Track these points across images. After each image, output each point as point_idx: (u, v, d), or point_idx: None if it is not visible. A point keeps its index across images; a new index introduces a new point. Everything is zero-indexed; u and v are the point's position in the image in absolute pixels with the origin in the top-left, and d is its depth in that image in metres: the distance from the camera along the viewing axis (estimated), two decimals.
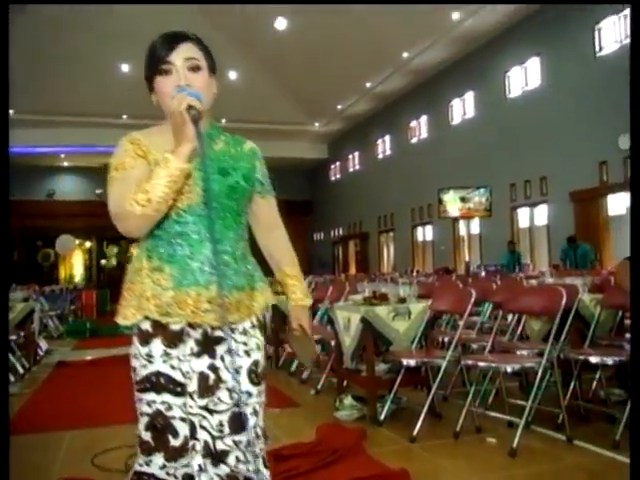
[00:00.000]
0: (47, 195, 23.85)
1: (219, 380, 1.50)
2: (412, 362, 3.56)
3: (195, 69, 1.51)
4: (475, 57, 14.36)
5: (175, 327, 1.49)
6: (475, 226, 14.64)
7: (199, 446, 1.48)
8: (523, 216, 13.19)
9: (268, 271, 1.76)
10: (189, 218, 1.49)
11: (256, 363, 1.56)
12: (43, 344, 7.45)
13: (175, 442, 1.50)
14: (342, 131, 22.22)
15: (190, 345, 1.50)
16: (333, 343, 4.31)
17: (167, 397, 1.49)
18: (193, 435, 1.49)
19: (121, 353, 7.04)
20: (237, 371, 1.51)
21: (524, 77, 12.88)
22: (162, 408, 1.50)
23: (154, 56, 1.51)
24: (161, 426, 1.49)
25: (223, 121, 13.84)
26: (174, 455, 1.50)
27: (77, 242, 22.42)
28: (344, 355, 4.04)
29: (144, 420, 1.52)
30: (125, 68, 17.18)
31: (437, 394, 3.72)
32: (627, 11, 10.04)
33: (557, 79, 11.78)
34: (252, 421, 1.52)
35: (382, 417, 3.69)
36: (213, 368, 1.50)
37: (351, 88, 17.64)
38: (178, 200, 1.45)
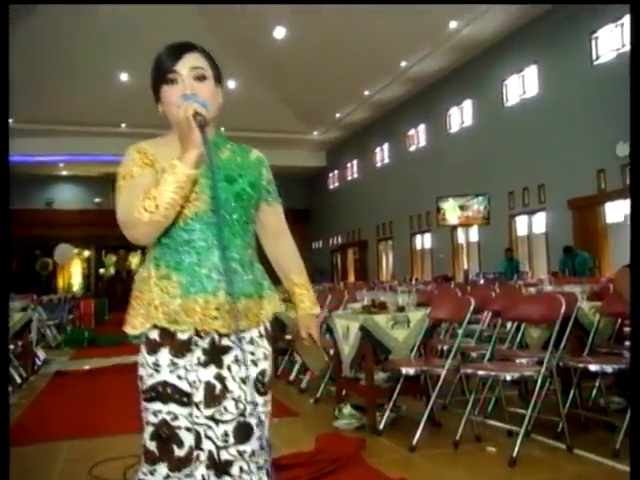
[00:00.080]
0: (46, 204, 23.86)
1: (225, 390, 1.49)
2: (411, 371, 3.55)
3: (201, 78, 1.52)
4: (473, 65, 14.42)
5: (183, 336, 1.49)
6: (474, 234, 14.65)
7: (203, 456, 1.47)
8: (521, 224, 13.20)
9: (275, 280, 1.76)
10: (196, 226, 1.50)
11: (263, 373, 1.56)
12: (41, 354, 7.41)
13: (180, 452, 1.50)
14: (341, 139, 22.28)
15: (197, 355, 1.50)
16: (332, 352, 4.30)
17: (173, 407, 1.49)
18: (198, 445, 1.48)
19: (119, 362, 7.04)
20: (244, 381, 1.51)
21: (522, 85, 12.93)
22: (168, 418, 1.49)
23: (160, 66, 1.52)
24: (166, 436, 1.49)
25: (222, 130, 13.78)
26: (178, 465, 1.50)
27: (75, 251, 22.40)
28: (343, 364, 4.03)
29: (149, 429, 1.52)
30: (124, 77, 17.24)
31: (436, 403, 3.71)
32: (624, 19, 10.11)
33: (554, 87, 11.83)
34: (257, 431, 1.51)
35: (381, 426, 3.67)
36: (220, 378, 1.50)
37: (349, 96, 17.69)
38: (185, 208, 1.46)
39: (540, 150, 11.95)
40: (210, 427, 1.48)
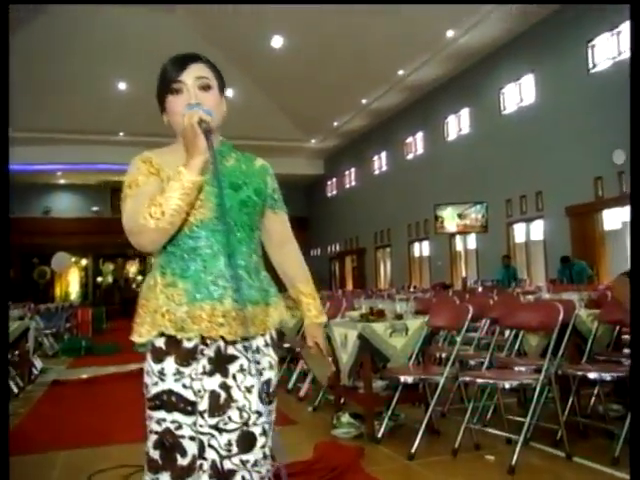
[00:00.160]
0: (43, 212, 23.85)
1: (230, 399, 1.49)
2: (410, 379, 3.54)
3: (206, 88, 1.53)
4: (470, 74, 14.48)
5: (189, 345, 1.49)
6: (472, 241, 14.67)
7: (206, 465, 1.48)
8: (519, 231, 13.22)
9: (281, 288, 1.75)
10: (202, 233, 1.50)
11: (268, 382, 1.56)
12: (38, 363, 7.39)
13: (183, 461, 1.49)
14: (338, 147, 22.33)
15: (203, 363, 1.50)
16: (330, 360, 4.29)
17: (177, 416, 1.49)
18: (201, 454, 1.48)
19: (117, 371, 7.03)
20: (249, 390, 1.51)
21: (519, 93, 12.99)
22: (172, 427, 1.49)
23: (165, 76, 1.53)
24: (170, 445, 1.48)
25: (220, 138, 13.75)
26: (181, 474, 1.49)
27: (73, 259, 22.38)
28: (341, 372, 4.02)
29: (153, 438, 1.51)
30: (122, 86, 17.29)
31: (435, 411, 3.70)
32: (620, 27, 10.17)
33: (551, 95, 11.88)
34: (261, 441, 1.51)
35: (380, 434, 3.66)
36: (225, 387, 1.50)
37: (347, 105, 17.75)
38: (191, 215, 1.46)
39: (537, 158, 11.99)
40: (214, 436, 1.48)
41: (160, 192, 1.41)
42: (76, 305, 15.35)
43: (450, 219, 13.30)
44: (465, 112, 15.02)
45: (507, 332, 4.40)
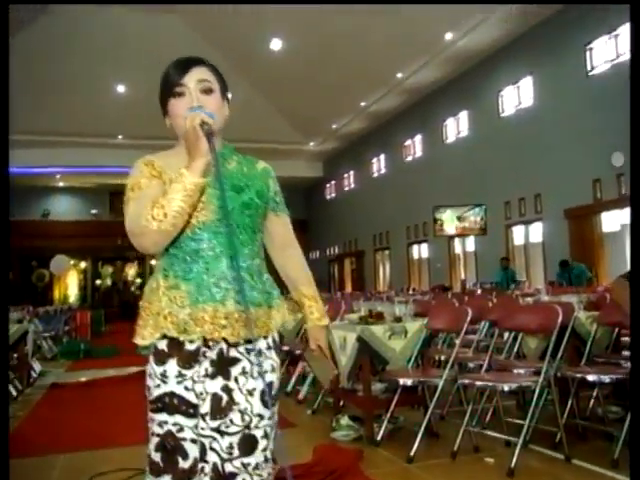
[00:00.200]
0: (42, 215, 23.83)
1: (232, 402, 1.50)
2: (409, 381, 3.55)
3: (208, 91, 1.54)
4: (468, 77, 14.50)
5: (191, 347, 1.49)
6: (470, 244, 14.68)
7: (208, 468, 1.48)
8: (518, 233, 13.23)
9: (284, 291, 1.76)
10: (204, 235, 1.51)
11: (270, 385, 1.56)
12: (37, 366, 7.38)
13: (184, 464, 1.49)
14: (337, 150, 22.34)
15: (205, 366, 1.50)
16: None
17: (179, 418, 1.49)
18: (202, 457, 1.49)
19: (116, 374, 7.02)
20: (251, 393, 1.51)
21: (517, 96, 13.01)
22: (174, 429, 1.49)
23: (168, 80, 1.54)
24: (171, 447, 1.48)
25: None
26: (182, 477, 1.49)
27: (72, 262, 22.37)
28: (340, 375, 4.02)
29: (154, 440, 1.51)
30: (121, 89, 17.30)
31: (434, 413, 3.70)
32: (618, 30, 10.19)
33: (550, 98, 11.90)
34: (262, 444, 1.52)
35: (379, 437, 3.66)
36: (227, 389, 1.50)
37: (346, 107, 17.77)
38: (193, 217, 1.47)
39: (536, 160, 12.01)
40: (215, 439, 1.49)
41: (162, 194, 1.42)
42: (75, 308, 15.32)
43: (449, 222, 13.32)
44: (464, 115, 15.03)
45: (506, 334, 4.40)
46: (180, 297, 1.48)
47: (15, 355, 5.90)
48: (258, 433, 1.51)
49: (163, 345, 1.50)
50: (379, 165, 19.87)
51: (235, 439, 1.48)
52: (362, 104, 17.47)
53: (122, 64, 15.71)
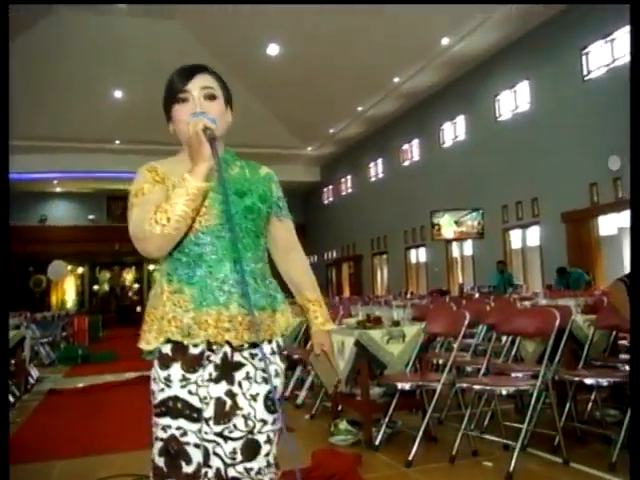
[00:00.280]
0: (39, 221, 23.78)
1: (235, 407, 1.50)
2: (407, 385, 3.54)
3: (211, 98, 1.56)
4: (465, 81, 14.54)
5: (195, 351, 1.50)
6: (468, 247, 14.70)
7: (211, 473, 1.49)
8: (515, 237, 13.25)
9: (288, 295, 1.76)
10: (207, 239, 1.52)
11: (274, 390, 1.56)
12: (34, 372, 7.36)
13: (188, 469, 1.49)
14: (335, 154, 22.37)
15: (209, 370, 1.51)
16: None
17: (183, 422, 1.49)
18: (206, 462, 1.49)
19: (114, 380, 7.01)
20: (254, 398, 1.52)
21: (514, 100, 13.04)
22: (177, 433, 1.49)
23: (172, 86, 1.56)
24: (175, 452, 1.48)
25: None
26: None
27: (69, 268, 22.34)
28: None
29: (158, 445, 1.51)
30: (118, 94, 17.31)
31: (432, 417, 3.70)
32: (614, 35, 10.23)
33: (546, 102, 11.94)
34: (265, 449, 1.52)
35: (377, 441, 3.66)
36: (230, 394, 1.51)
37: (343, 112, 17.80)
38: (196, 222, 1.48)
39: (533, 164, 12.04)
40: (218, 444, 1.49)
41: (166, 199, 1.43)
42: (72, 313, 15.28)
43: (447, 226, 13.34)
44: (460, 119, 15.07)
45: (504, 338, 4.41)
46: (184, 301, 1.49)
47: (12, 361, 5.88)
48: (261, 438, 1.51)
49: (167, 349, 1.50)
50: (376, 169, 19.89)
51: (238, 444, 1.49)
52: (359, 109, 17.50)
53: (119, 69, 15.73)
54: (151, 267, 24.95)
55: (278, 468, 1.59)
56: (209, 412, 1.49)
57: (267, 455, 1.52)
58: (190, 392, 1.49)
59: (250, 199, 1.58)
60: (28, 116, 15.77)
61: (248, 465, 1.49)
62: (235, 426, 1.49)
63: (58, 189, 23.79)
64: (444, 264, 15.47)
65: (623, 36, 10.05)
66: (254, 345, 1.53)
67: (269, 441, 1.53)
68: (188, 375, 1.49)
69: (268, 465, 1.52)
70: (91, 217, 24.53)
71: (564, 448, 3.24)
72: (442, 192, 15.06)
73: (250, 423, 1.50)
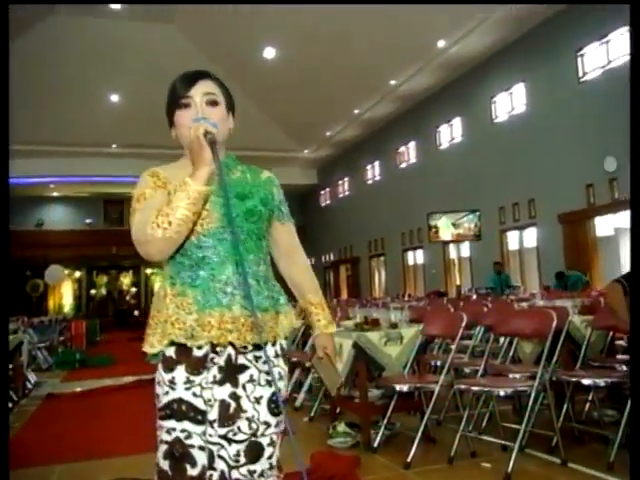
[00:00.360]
0: (36, 225, 23.75)
1: (240, 409, 1.51)
2: (405, 387, 3.55)
3: (213, 104, 1.58)
4: (461, 83, 14.57)
5: (199, 353, 1.51)
6: (465, 249, 14.72)
7: (216, 476, 1.49)
8: (512, 239, 13.27)
9: (290, 298, 1.77)
10: (209, 242, 1.53)
11: (277, 393, 1.57)
12: (32, 376, 7.35)
13: (192, 471, 1.49)
14: (331, 157, 22.39)
15: (213, 372, 1.52)
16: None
17: (187, 425, 1.49)
18: (211, 465, 1.50)
19: (111, 384, 7.00)
20: (258, 401, 1.53)
21: (510, 102, 13.07)
22: (182, 436, 1.49)
23: (175, 92, 1.58)
24: (179, 454, 1.49)
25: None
26: None
27: (66, 272, 22.28)
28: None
29: (163, 448, 1.51)
30: (114, 98, 17.31)
31: (431, 419, 3.70)
32: (609, 37, 10.28)
33: (542, 104, 11.97)
34: (268, 451, 1.53)
35: (376, 443, 3.66)
36: (234, 397, 1.52)
37: (340, 115, 17.83)
38: (198, 225, 1.49)
39: (529, 166, 12.07)
40: (223, 446, 1.50)
41: (167, 203, 1.44)
42: (70, 318, 15.28)
43: (445, 228, 13.37)
44: (457, 121, 15.10)
45: (501, 339, 4.42)
46: (187, 303, 1.50)
47: (10, 366, 5.87)
48: (264, 441, 1.53)
49: (171, 352, 1.51)
50: (373, 172, 19.91)
51: (242, 447, 1.50)
52: (356, 111, 17.53)
53: (116, 73, 15.74)
54: (149, 271, 24.94)
55: (281, 471, 1.60)
56: (213, 414, 1.50)
57: (270, 458, 1.53)
58: (194, 394, 1.50)
59: (251, 202, 1.59)
60: (24, 120, 15.76)
61: (251, 467, 1.50)
62: (239, 428, 1.50)
63: (55, 193, 23.77)
64: (441, 266, 15.49)
65: (618, 38, 10.09)
66: (258, 348, 1.54)
67: (272, 444, 1.54)
68: (192, 377, 1.50)
69: (271, 467, 1.54)
70: (88, 221, 24.50)
71: (562, 448, 3.25)
72: (439, 194, 15.08)
73: (254, 426, 1.51)
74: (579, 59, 11.02)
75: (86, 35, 14.29)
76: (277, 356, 1.61)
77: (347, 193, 22.18)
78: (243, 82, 16.01)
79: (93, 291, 25.01)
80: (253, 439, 1.51)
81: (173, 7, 13.59)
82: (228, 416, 1.50)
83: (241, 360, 1.54)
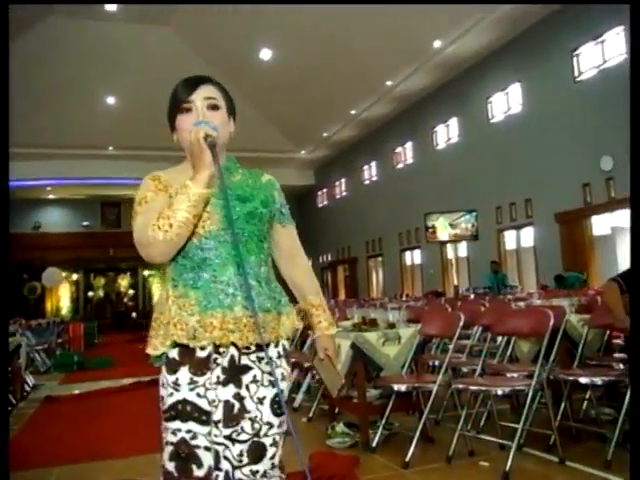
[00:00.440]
0: (33, 228, 23.72)
1: (243, 410, 1.52)
2: (403, 387, 3.56)
3: (214, 108, 1.59)
4: (457, 83, 14.59)
5: (202, 354, 1.52)
6: (463, 249, 14.74)
7: (221, 477, 1.50)
8: (510, 238, 13.29)
9: (292, 300, 1.78)
10: (211, 244, 1.54)
11: (280, 394, 1.58)
12: (30, 379, 7.35)
13: (199, 472, 1.50)
14: (328, 158, 22.39)
15: (217, 373, 1.52)
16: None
17: (192, 425, 1.50)
18: (217, 465, 1.50)
19: (110, 386, 7.00)
20: (261, 401, 1.54)
21: (506, 102, 13.10)
22: (187, 437, 1.50)
23: (176, 97, 1.60)
24: (185, 455, 1.49)
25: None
26: None
27: (64, 274, 22.26)
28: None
29: (168, 449, 1.52)
30: (111, 100, 17.29)
31: (429, 418, 3.72)
32: (605, 36, 10.31)
33: (538, 104, 11.99)
34: (271, 452, 1.55)
35: (374, 443, 3.67)
36: (238, 397, 1.53)
37: (336, 115, 17.84)
38: (199, 227, 1.51)
39: (526, 165, 12.09)
40: (227, 447, 1.51)
41: (168, 206, 1.45)
42: (67, 320, 15.28)
43: (442, 228, 13.38)
44: (453, 121, 15.12)
45: (499, 339, 4.43)
46: (189, 305, 1.51)
47: (8, 369, 5.86)
48: (267, 441, 1.54)
49: (174, 354, 1.52)
50: (370, 172, 19.93)
51: (245, 447, 1.51)
52: (352, 112, 17.54)
53: (113, 75, 15.71)
54: (146, 273, 24.92)
55: (283, 471, 1.61)
56: (218, 415, 1.51)
57: (272, 458, 1.55)
58: (199, 395, 1.50)
59: (252, 204, 1.60)
60: (21, 123, 15.75)
61: (254, 467, 1.51)
62: (242, 429, 1.52)
63: (52, 196, 23.73)
64: (439, 266, 15.51)
65: (613, 37, 10.12)
66: (261, 348, 1.55)
67: (275, 444, 1.56)
68: (196, 378, 1.51)
69: (273, 467, 1.55)
70: (85, 223, 24.47)
71: (560, 447, 3.26)
72: (436, 194, 15.10)
73: (257, 426, 1.52)
74: (574, 59, 11.05)
75: (85, 36, 14.24)
76: (279, 357, 1.62)
77: (344, 194, 22.19)
78: (239, 83, 16.00)
79: (91, 293, 24.98)
80: (256, 439, 1.52)
81: (170, 9, 13.58)
82: (232, 417, 1.51)
83: (244, 361, 1.55)
